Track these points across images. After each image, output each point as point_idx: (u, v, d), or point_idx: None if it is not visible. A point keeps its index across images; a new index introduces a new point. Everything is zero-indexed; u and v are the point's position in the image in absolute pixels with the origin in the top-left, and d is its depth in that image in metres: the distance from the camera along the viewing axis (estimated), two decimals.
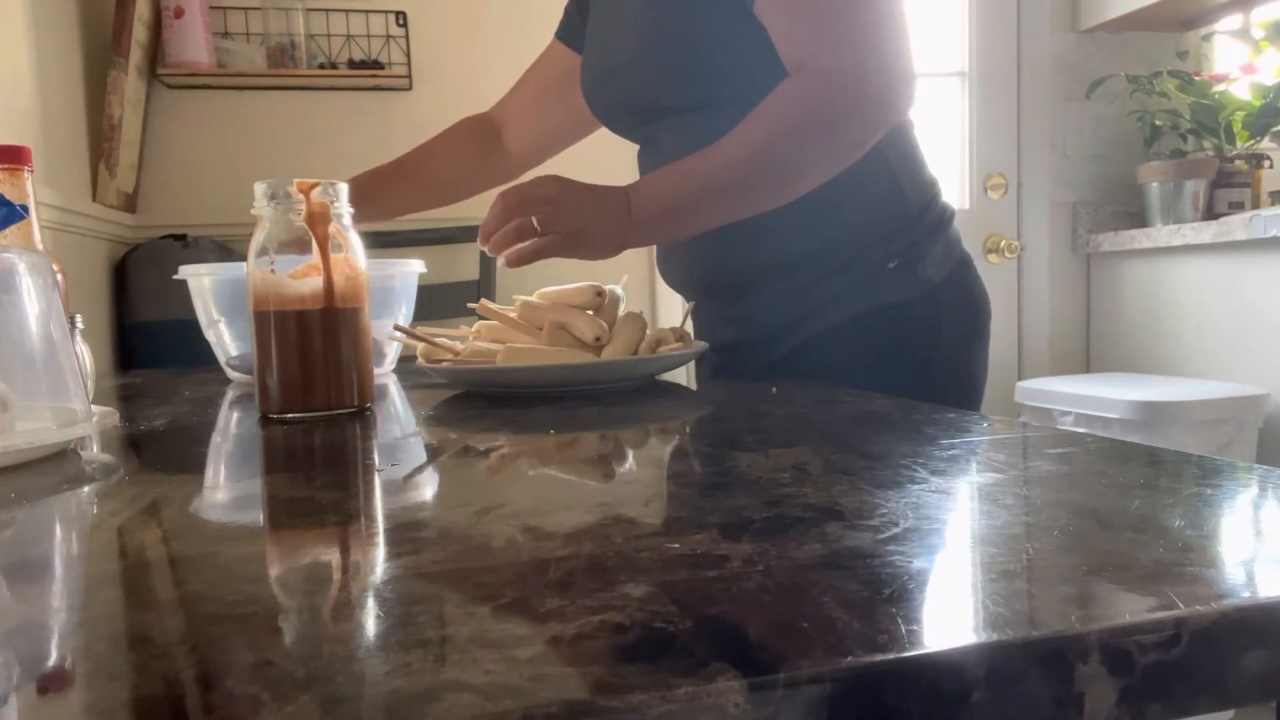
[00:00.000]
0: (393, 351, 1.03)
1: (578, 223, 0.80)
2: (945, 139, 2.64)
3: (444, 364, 0.80)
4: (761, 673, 0.21)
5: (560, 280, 0.96)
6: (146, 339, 2.16)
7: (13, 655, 0.24)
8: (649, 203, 0.81)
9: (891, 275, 0.89)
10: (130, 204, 2.29)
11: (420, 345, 0.85)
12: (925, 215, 0.91)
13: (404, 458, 0.54)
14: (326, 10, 2.42)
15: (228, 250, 2.25)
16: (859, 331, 0.89)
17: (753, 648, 0.23)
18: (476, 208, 2.70)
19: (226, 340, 0.99)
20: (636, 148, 1.03)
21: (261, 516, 0.41)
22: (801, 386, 0.76)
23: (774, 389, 0.75)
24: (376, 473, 0.48)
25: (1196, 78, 2.33)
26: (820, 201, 0.85)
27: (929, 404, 0.64)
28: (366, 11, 2.43)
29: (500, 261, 0.83)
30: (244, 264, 0.72)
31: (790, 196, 0.83)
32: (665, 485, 0.44)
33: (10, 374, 0.53)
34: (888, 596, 0.26)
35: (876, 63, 0.79)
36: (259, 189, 0.69)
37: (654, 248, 1.15)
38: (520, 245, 0.81)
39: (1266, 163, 2.37)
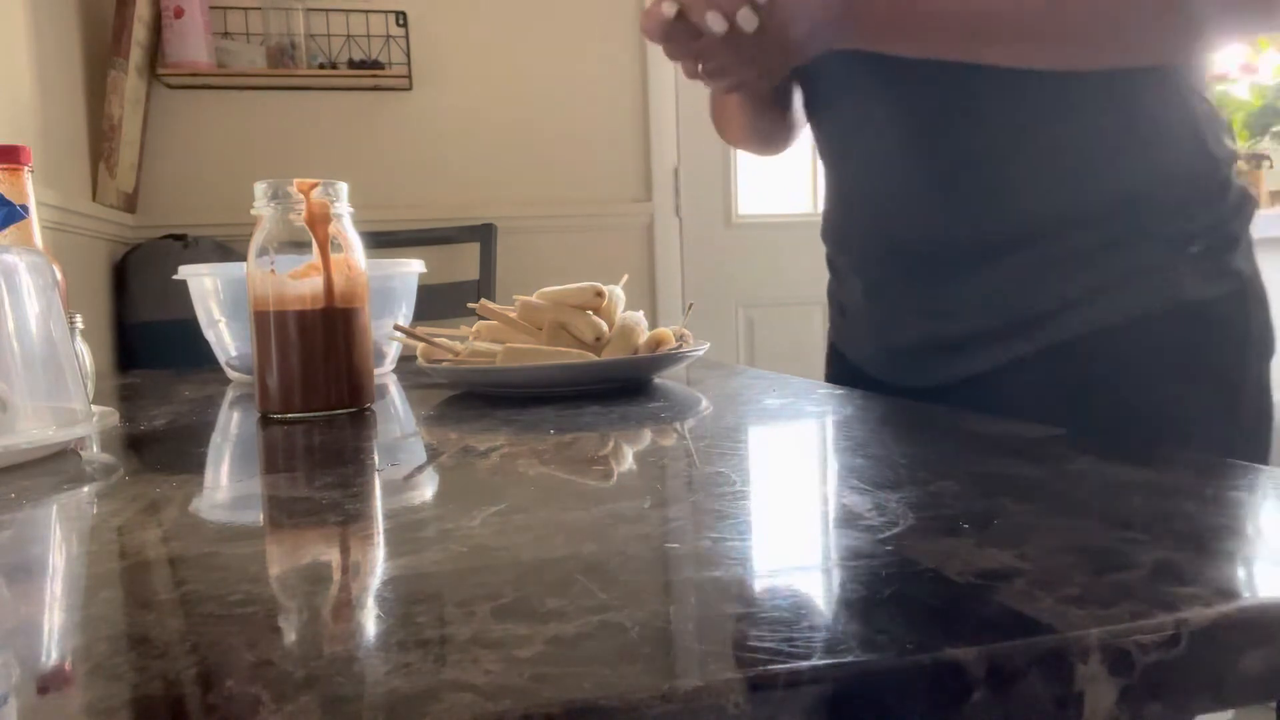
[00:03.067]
0: (393, 351, 1.03)
1: (776, 53, 0.61)
2: None
3: (444, 364, 0.80)
4: (761, 673, 0.21)
5: (560, 280, 0.96)
6: (146, 339, 2.16)
7: (13, 655, 0.24)
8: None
9: (1194, 262, 0.65)
10: (130, 204, 2.29)
11: (420, 345, 0.85)
12: (1231, 189, 0.68)
13: (404, 458, 0.54)
14: (326, 10, 2.42)
15: (228, 250, 2.25)
16: (1140, 338, 0.65)
17: (753, 648, 0.23)
18: (477, 207, 2.70)
19: (226, 340, 0.99)
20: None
21: (261, 516, 0.41)
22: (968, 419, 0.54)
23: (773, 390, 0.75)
24: (376, 473, 0.48)
25: None
26: (1104, 135, 0.65)
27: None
28: (366, 11, 2.43)
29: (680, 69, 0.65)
30: (244, 264, 0.72)
31: (1088, 55, 0.60)
32: (665, 485, 0.44)
33: (10, 374, 0.53)
34: (888, 596, 0.26)
35: None
36: (259, 189, 0.69)
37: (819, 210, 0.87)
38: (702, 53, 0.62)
39: (1266, 163, 2.37)
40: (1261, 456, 0.67)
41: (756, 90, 0.69)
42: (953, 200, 0.68)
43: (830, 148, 0.79)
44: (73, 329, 0.74)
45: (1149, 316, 0.65)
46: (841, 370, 0.86)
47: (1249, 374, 0.67)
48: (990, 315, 0.69)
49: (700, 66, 0.64)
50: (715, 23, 0.59)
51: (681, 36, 0.61)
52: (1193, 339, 0.65)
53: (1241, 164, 2.33)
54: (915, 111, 0.69)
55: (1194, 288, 0.65)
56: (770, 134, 0.82)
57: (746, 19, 0.59)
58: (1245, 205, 0.69)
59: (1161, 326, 0.65)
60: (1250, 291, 0.67)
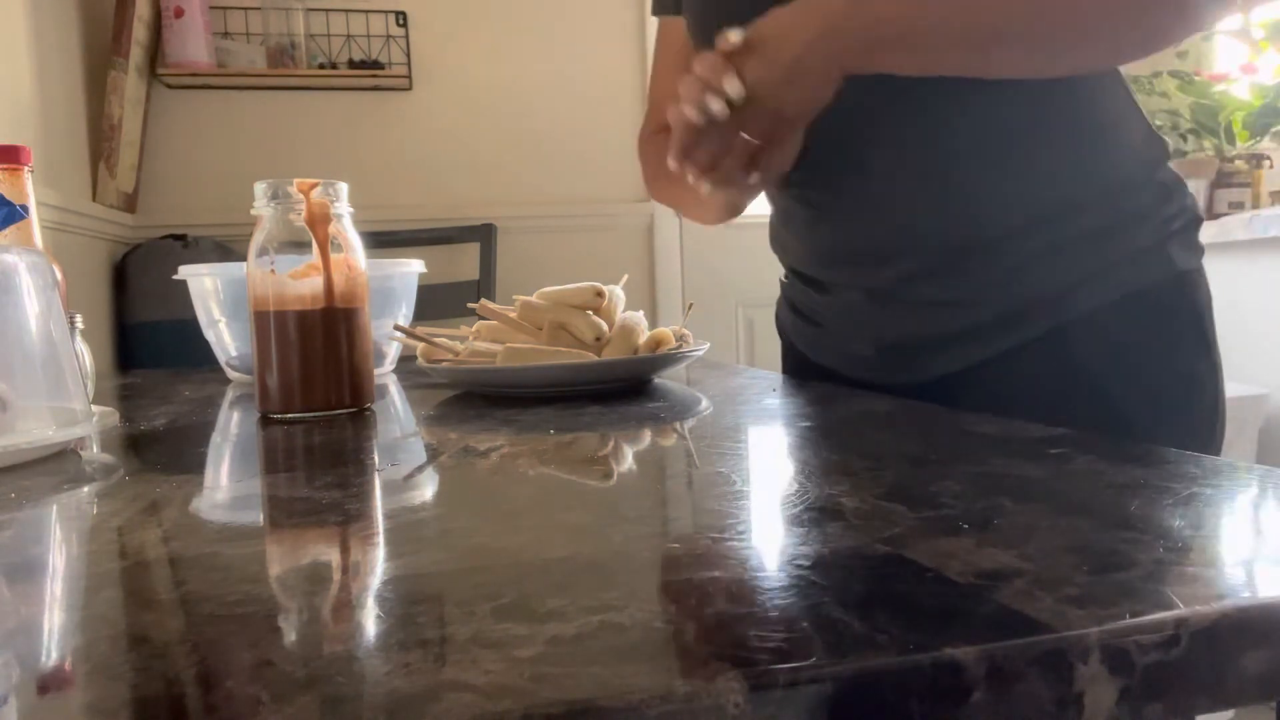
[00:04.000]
0: (393, 351, 1.03)
1: (783, 70, 0.60)
2: None
3: (444, 364, 0.80)
4: (761, 673, 0.21)
5: (560, 280, 0.96)
6: (146, 339, 2.16)
7: (13, 655, 0.24)
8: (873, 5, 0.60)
9: (1177, 238, 0.71)
10: (130, 204, 2.29)
11: (420, 345, 0.85)
12: (1170, 171, 0.74)
13: (404, 458, 0.54)
14: (326, 10, 2.42)
15: (228, 250, 2.25)
16: (1140, 310, 0.69)
17: (753, 648, 0.23)
18: (477, 207, 2.70)
19: (226, 340, 0.99)
20: None
21: (261, 516, 0.41)
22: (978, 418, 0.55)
23: (774, 389, 0.75)
24: (376, 473, 0.48)
25: (1196, 77, 2.33)
26: (1086, 126, 0.69)
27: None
28: (366, 11, 2.44)
29: (704, 188, 0.64)
30: (244, 264, 0.72)
31: (1066, 61, 0.63)
32: (665, 485, 0.44)
33: (10, 374, 0.53)
34: (888, 596, 0.26)
35: None
36: (259, 189, 0.69)
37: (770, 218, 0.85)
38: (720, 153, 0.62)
39: (1266, 163, 2.37)
40: (1219, 395, 0.73)
41: (781, 169, 0.68)
42: (949, 185, 0.70)
43: (821, 167, 0.76)
44: (73, 329, 0.74)
45: (1146, 290, 0.69)
46: (806, 375, 0.86)
47: (1213, 353, 0.73)
48: (996, 303, 0.70)
49: (720, 169, 0.63)
50: (713, 104, 0.60)
51: (709, 145, 0.62)
52: (1183, 303, 0.71)
53: (1242, 164, 2.33)
54: (905, 116, 0.70)
55: (1181, 259, 0.71)
56: (739, 206, 0.79)
57: (716, 102, 0.60)
58: (1184, 187, 0.75)
59: (1159, 296, 0.70)
60: (1200, 272, 0.74)
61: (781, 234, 0.85)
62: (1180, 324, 0.71)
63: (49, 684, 0.23)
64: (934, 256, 0.71)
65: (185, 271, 0.99)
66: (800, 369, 0.88)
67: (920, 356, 0.74)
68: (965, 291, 0.71)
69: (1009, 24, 0.60)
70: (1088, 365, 0.69)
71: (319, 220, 0.69)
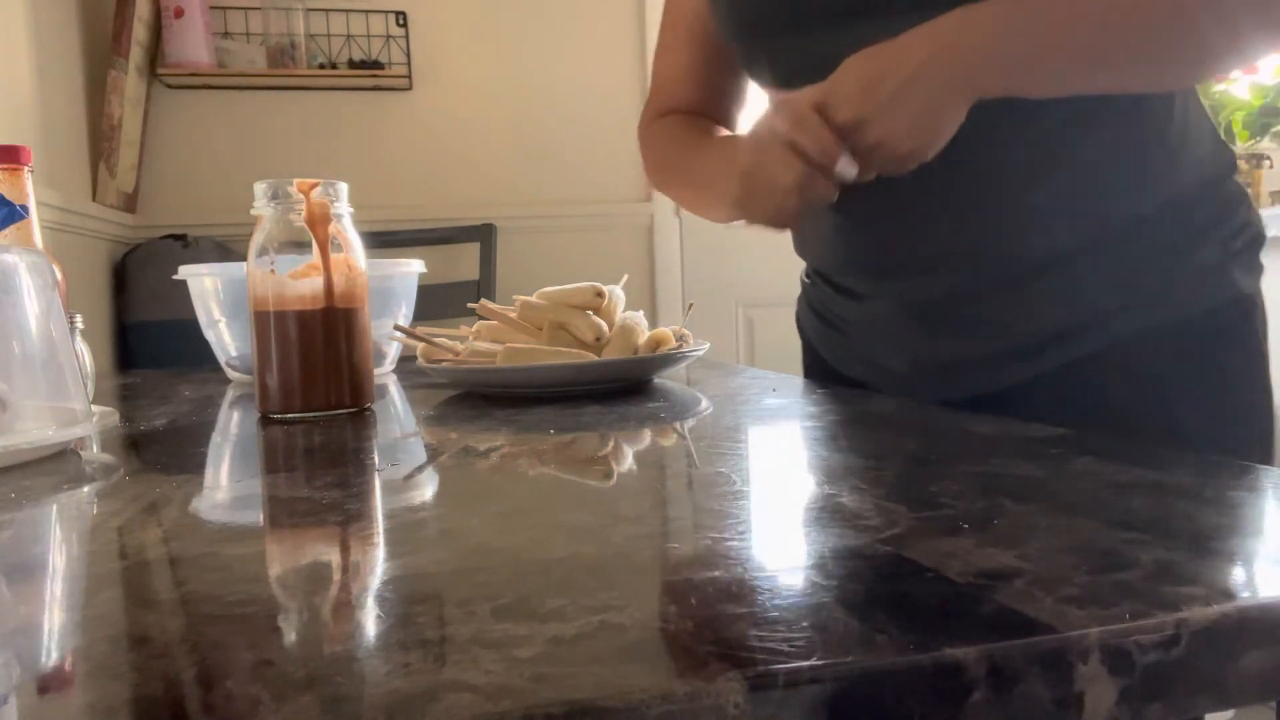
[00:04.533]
0: (393, 351, 1.03)
1: (906, 120, 0.54)
2: None
3: (444, 364, 0.80)
4: (761, 673, 0.21)
5: (560, 280, 0.96)
6: (146, 339, 2.16)
7: (13, 655, 0.24)
8: (992, 22, 0.54)
9: (1240, 259, 0.67)
10: (130, 204, 2.29)
11: (420, 345, 0.85)
12: (1239, 185, 0.70)
13: (404, 458, 0.54)
14: (326, 10, 2.42)
15: (228, 250, 2.25)
16: (1198, 334, 0.65)
17: (753, 648, 0.23)
18: (477, 207, 2.70)
19: (226, 340, 0.99)
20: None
21: (261, 516, 0.41)
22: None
23: (774, 389, 0.75)
24: (376, 473, 0.48)
25: None
26: (1157, 139, 0.64)
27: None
28: (366, 11, 2.44)
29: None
30: (244, 264, 0.72)
31: (1213, 63, 0.57)
32: (665, 485, 0.44)
33: (10, 374, 0.53)
34: (888, 596, 0.26)
35: None
36: (259, 189, 0.69)
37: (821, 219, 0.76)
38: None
39: (1266, 163, 2.37)
40: (1271, 420, 0.69)
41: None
42: (1005, 212, 0.65)
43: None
44: (73, 329, 0.74)
45: (1204, 313, 0.65)
46: (829, 382, 0.83)
47: (1267, 376, 0.69)
48: (1049, 322, 0.66)
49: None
50: (845, 169, 0.56)
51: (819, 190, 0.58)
52: (1243, 327, 0.67)
53: (1242, 163, 2.33)
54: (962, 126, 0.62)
55: (1243, 281, 0.67)
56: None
57: (845, 165, 0.55)
58: (1249, 200, 0.70)
59: (1217, 320, 0.66)
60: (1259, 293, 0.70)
61: (810, 237, 0.80)
62: (1238, 350, 0.67)
63: (49, 684, 0.23)
64: (986, 273, 0.66)
65: (185, 271, 0.99)
66: (822, 375, 0.84)
67: (959, 374, 0.70)
68: (1017, 310, 0.67)
69: (1155, 32, 0.54)
70: (1136, 389, 0.65)
71: (319, 220, 0.69)
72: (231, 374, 1.01)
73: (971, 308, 0.68)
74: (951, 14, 0.55)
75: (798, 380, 0.80)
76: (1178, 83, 0.62)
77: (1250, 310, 0.67)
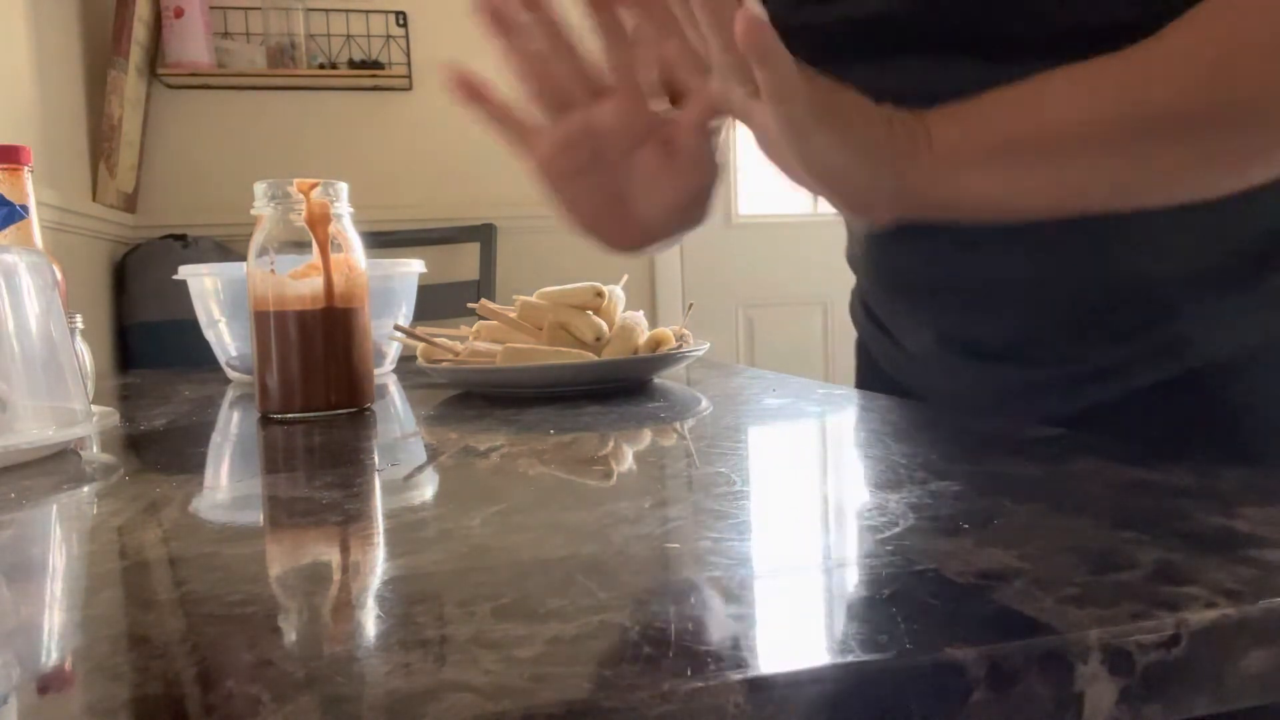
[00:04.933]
0: (393, 351, 1.03)
1: (830, 158, 0.45)
2: None
3: (444, 364, 0.80)
4: (761, 673, 0.21)
5: (560, 280, 0.96)
6: (146, 339, 2.16)
7: (13, 655, 0.24)
8: (968, 132, 0.46)
9: None
10: (130, 204, 2.30)
11: (420, 345, 0.85)
12: None
13: (404, 458, 0.54)
14: (326, 10, 2.42)
15: (228, 250, 2.25)
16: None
17: (753, 648, 0.23)
18: (477, 207, 2.69)
19: (226, 340, 0.99)
20: None
21: (261, 516, 0.41)
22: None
23: (774, 389, 0.75)
24: (376, 473, 0.48)
25: None
26: None
27: None
28: (366, 11, 2.44)
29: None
30: (244, 264, 0.72)
31: (1242, 173, 0.47)
32: (665, 485, 0.44)
33: (10, 374, 0.53)
34: (888, 596, 0.26)
35: None
36: (259, 189, 0.69)
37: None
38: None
39: None
40: None
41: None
42: (1101, 244, 0.57)
43: None
44: (73, 329, 0.74)
45: None
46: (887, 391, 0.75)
47: None
48: (1139, 358, 0.59)
49: None
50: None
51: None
52: None
53: None
54: None
55: None
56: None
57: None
58: None
59: None
60: None
61: (874, 256, 0.70)
62: None
63: (49, 684, 0.23)
64: (1075, 307, 0.60)
65: (185, 271, 0.99)
66: (878, 386, 0.77)
67: (1030, 399, 0.64)
68: (1106, 347, 0.60)
69: (1181, 120, 0.44)
70: (1216, 413, 0.58)
71: (319, 220, 0.69)
72: (231, 374, 1.01)
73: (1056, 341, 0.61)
74: (940, 111, 0.47)
75: (797, 380, 0.80)
76: (1208, 180, 0.50)
77: None
